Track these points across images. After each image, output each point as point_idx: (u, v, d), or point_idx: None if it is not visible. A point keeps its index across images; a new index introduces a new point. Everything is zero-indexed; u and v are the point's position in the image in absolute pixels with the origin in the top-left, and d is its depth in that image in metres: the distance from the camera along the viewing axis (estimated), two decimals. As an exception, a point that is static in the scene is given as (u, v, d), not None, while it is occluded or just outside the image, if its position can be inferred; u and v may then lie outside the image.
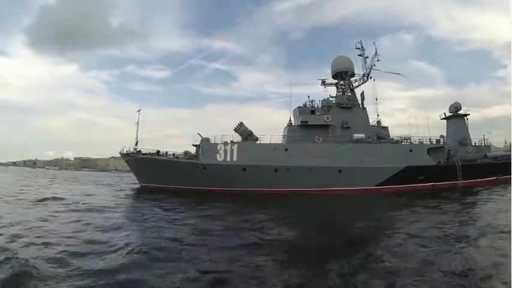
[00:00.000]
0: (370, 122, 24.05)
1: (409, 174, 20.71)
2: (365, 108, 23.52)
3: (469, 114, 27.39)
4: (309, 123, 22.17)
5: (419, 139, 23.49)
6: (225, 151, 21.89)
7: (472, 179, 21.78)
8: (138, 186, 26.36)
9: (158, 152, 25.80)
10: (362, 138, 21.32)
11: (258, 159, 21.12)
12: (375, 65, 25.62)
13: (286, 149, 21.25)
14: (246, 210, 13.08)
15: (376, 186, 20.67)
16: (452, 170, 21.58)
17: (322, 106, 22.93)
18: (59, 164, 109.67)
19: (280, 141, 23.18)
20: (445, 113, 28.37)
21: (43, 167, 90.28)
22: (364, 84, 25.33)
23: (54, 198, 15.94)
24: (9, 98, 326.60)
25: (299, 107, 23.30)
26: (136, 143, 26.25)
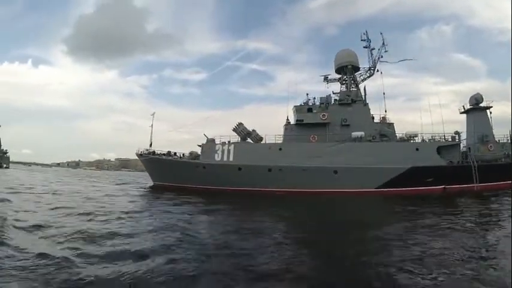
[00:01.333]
0: (377, 119, 22.40)
1: (415, 175, 18.89)
2: (367, 104, 21.87)
3: (491, 107, 23.68)
4: (304, 121, 21.58)
5: (432, 136, 21.21)
6: (223, 151, 22.45)
7: (491, 181, 19.13)
8: (151, 184, 28.24)
9: (169, 152, 27.51)
10: (361, 136, 19.98)
11: (253, 159, 21.23)
12: (382, 57, 23.83)
13: (280, 149, 20.99)
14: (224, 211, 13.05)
15: (376, 188, 19.21)
16: (467, 172, 19.13)
17: (320, 103, 22.02)
18: (100, 165, 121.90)
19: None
20: (463, 106, 24.81)
21: (85, 168, 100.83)
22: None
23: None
24: (55, 104, 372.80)
25: (295, 106, 22.68)
26: (151, 144, 28.39)
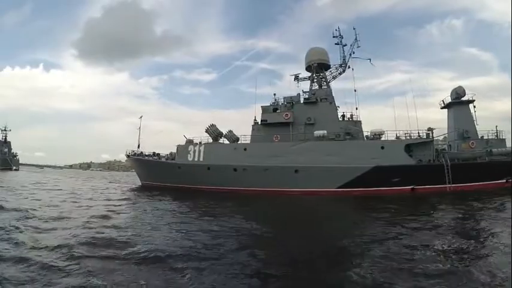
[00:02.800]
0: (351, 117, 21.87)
1: (379, 175, 18.05)
2: (332, 102, 21.36)
3: (473, 101, 21.82)
4: (268, 121, 21.67)
5: (406, 133, 19.93)
6: (194, 151, 23.27)
7: (466, 182, 17.85)
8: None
9: (154, 153, 28.87)
10: (323, 135, 19.60)
11: (220, 159, 21.79)
12: (354, 53, 23.24)
13: (245, 149, 21.30)
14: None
15: (338, 188, 18.70)
16: (439, 171, 17.93)
17: (286, 103, 21.97)
18: (111, 166, 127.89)
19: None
20: (443, 101, 23.02)
21: (92, 169, 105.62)
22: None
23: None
24: (67, 107, 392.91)
25: (262, 106, 22.82)
26: (138, 146, 29.95)
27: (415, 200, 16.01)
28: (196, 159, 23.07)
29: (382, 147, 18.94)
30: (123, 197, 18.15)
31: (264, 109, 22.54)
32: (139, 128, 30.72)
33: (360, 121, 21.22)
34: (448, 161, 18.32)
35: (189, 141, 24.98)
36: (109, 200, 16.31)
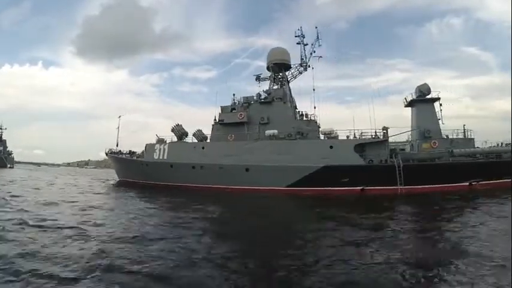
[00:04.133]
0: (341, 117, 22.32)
1: (329, 175, 17.99)
2: (287, 101, 21.65)
3: (438, 99, 21.08)
4: (224, 121, 22.35)
5: (362, 133, 19.58)
6: (160, 150, 24.29)
7: (421, 184, 17.41)
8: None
9: (130, 151, 30.10)
10: (274, 134, 20.01)
11: (181, 158, 22.76)
12: (314, 52, 23.63)
13: (203, 148, 22.15)
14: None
15: (287, 187, 18.93)
16: (391, 172, 17.52)
17: (243, 103, 22.61)
18: (108, 164, 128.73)
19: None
20: (405, 98, 22.32)
21: (86, 167, 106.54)
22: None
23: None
24: (67, 105, 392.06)
25: (221, 106, 23.54)
26: (117, 144, 31.21)
27: (355, 201, 15.88)
28: (161, 157, 24.10)
29: (331, 147, 18.87)
30: (81, 191, 19.49)
31: (223, 109, 23.22)
32: (118, 127, 31.97)
33: (314, 120, 21.43)
34: (401, 161, 17.83)
35: (160, 140, 26.06)
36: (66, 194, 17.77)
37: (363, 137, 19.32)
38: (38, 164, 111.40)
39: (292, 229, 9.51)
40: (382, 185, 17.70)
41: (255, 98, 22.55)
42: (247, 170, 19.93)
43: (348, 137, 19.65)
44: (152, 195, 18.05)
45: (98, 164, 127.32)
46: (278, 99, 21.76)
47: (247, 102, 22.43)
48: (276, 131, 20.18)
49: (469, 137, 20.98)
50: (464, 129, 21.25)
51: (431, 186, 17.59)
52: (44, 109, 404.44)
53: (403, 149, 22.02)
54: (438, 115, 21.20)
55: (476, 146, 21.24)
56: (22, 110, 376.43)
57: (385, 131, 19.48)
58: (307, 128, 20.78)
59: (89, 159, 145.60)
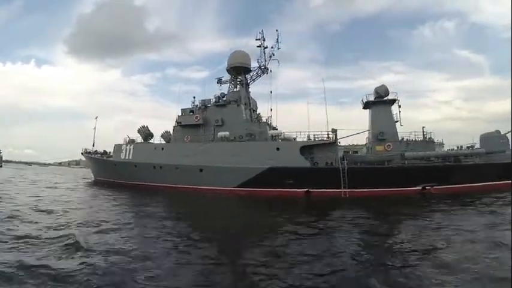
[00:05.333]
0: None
1: (274, 176, 18.44)
2: (240, 104, 22.25)
3: (395, 101, 21.06)
4: (182, 123, 23.30)
5: (315, 135, 19.69)
6: (126, 150, 25.45)
7: (370, 187, 17.36)
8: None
9: (104, 151, 31.40)
10: (225, 136, 20.80)
11: (144, 158, 23.89)
12: (273, 55, 24.29)
13: (162, 149, 23.24)
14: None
15: (236, 187, 19.59)
16: (335, 175, 17.57)
17: (201, 105, 23.52)
18: None
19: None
20: (362, 100, 22.28)
21: (73, 166, 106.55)
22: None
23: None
24: (59, 104, 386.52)
25: (182, 108, 24.46)
26: (93, 144, 32.51)
27: (293, 203, 16.09)
28: (127, 157, 25.30)
29: (278, 149, 19.28)
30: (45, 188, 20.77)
31: (183, 111, 24.22)
32: (95, 128, 33.24)
33: (265, 122, 22.49)
34: (346, 164, 17.92)
35: (131, 141, 27.23)
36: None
37: (310, 140, 19.72)
38: (29, 164, 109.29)
39: (211, 231, 9.42)
40: (326, 188, 17.87)
41: (212, 100, 23.47)
42: (201, 170, 20.81)
43: (294, 139, 20.32)
44: (112, 192, 19.68)
45: (87, 164, 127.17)
46: (233, 102, 22.62)
47: (204, 105, 23.32)
48: (227, 133, 20.99)
49: (430, 139, 20.82)
50: (423, 132, 21.14)
51: (378, 190, 17.21)
52: (36, 108, 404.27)
53: (356, 152, 22.62)
54: (396, 117, 21.25)
55: (451, 149, 21.57)
56: (14, 109, 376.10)
57: (333, 133, 19.62)
58: (256, 129, 21.32)
59: (80, 159, 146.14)
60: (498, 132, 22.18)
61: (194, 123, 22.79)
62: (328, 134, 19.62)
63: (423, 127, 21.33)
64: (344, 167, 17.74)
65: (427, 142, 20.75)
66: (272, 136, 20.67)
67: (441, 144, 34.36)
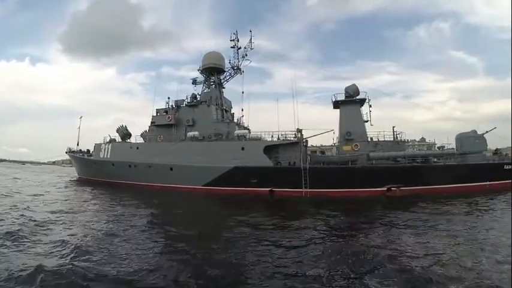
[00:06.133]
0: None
1: (239, 175, 18.90)
2: (210, 104, 22.83)
3: (365, 100, 21.13)
4: (156, 123, 24.01)
5: (283, 135, 20.12)
6: (105, 149, 26.25)
7: (333, 187, 17.32)
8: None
9: (88, 150, 32.31)
10: (194, 136, 21.37)
11: (121, 157, 24.66)
12: (246, 55, 24.74)
13: (137, 148, 23.99)
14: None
15: (203, 186, 20.14)
16: (297, 174, 17.80)
17: (174, 106, 24.16)
18: None
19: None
20: (331, 98, 22.15)
21: (63, 165, 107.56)
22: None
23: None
24: (54, 102, 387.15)
25: (157, 108, 25.08)
26: (78, 143, 33.43)
27: (253, 202, 16.12)
28: (105, 156, 26.14)
29: (243, 148, 19.70)
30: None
31: (157, 111, 24.91)
32: (79, 127, 34.12)
33: (235, 122, 23.10)
34: (308, 164, 18.17)
35: (112, 140, 28.05)
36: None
37: (274, 139, 20.24)
38: (23, 162, 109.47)
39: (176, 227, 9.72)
40: (289, 187, 18.00)
41: (185, 101, 24.15)
42: (171, 169, 21.42)
43: (260, 139, 20.86)
44: (89, 189, 21.07)
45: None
46: (204, 102, 23.28)
47: (177, 105, 23.98)
48: (196, 133, 21.56)
49: (398, 139, 20.60)
50: (393, 132, 20.89)
51: (341, 190, 17.16)
52: (30, 106, 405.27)
53: (323, 152, 23.04)
54: (367, 117, 21.24)
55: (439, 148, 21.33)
56: (8, 107, 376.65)
57: (299, 133, 19.85)
58: (224, 129, 21.86)
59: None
60: (474, 132, 21.56)
61: (167, 123, 23.47)
62: (295, 134, 19.88)
63: (393, 127, 21.07)
64: (305, 167, 17.93)
65: (397, 142, 20.60)
66: (238, 136, 21.08)
67: (433, 144, 34.59)
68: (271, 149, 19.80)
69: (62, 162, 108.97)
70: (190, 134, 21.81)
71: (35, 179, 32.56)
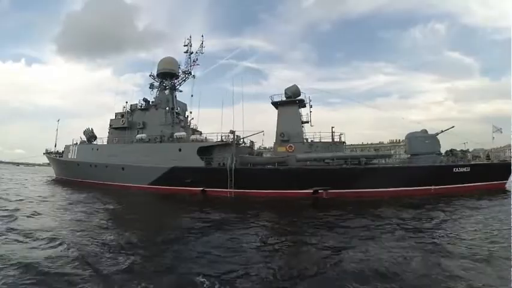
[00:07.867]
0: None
1: (176, 175, 20.05)
2: (159, 108, 24.42)
3: (304, 101, 21.44)
4: (113, 126, 25.94)
5: (221, 136, 20.94)
6: (72, 151, 28.53)
7: (260, 188, 17.81)
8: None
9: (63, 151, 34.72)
10: (141, 138, 23.03)
11: (84, 157, 26.83)
12: (196, 60, 26.14)
13: (97, 149, 26.12)
14: None
15: (148, 185, 21.55)
16: (224, 175, 18.51)
17: (129, 110, 26.08)
18: None
19: None
20: (270, 98, 22.28)
21: None
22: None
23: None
24: (50, 104, 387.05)
25: (116, 112, 26.96)
26: (55, 145, 35.93)
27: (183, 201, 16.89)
28: (73, 157, 28.45)
29: (180, 150, 20.99)
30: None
31: (116, 114, 26.91)
32: (57, 129, 36.61)
33: (181, 125, 24.57)
34: (233, 165, 18.49)
35: (83, 142, 30.34)
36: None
37: (208, 141, 21.54)
38: (17, 164, 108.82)
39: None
40: (217, 187, 18.66)
41: (138, 105, 26.05)
42: (123, 169, 23.23)
43: (201, 140, 22.08)
44: (58, 188, 23.55)
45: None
46: (154, 106, 25.13)
47: (131, 109, 25.85)
48: (144, 135, 23.25)
49: (338, 141, 20.55)
50: (332, 133, 20.82)
51: (267, 191, 17.54)
52: (26, 107, 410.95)
53: (261, 153, 23.76)
54: (306, 118, 21.68)
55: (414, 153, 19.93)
56: (4, 107, 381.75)
57: (232, 135, 20.71)
58: (167, 131, 23.44)
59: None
60: (425, 131, 21.06)
61: (121, 126, 25.42)
62: (221, 136, 21.02)
63: (332, 127, 21.12)
64: (231, 168, 18.38)
65: (336, 144, 20.57)
66: (176, 137, 22.48)
67: (381, 146, 35.05)
68: (208, 150, 21.09)
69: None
70: (138, 136, 23.59)
71: (17, 178, 35.34)
